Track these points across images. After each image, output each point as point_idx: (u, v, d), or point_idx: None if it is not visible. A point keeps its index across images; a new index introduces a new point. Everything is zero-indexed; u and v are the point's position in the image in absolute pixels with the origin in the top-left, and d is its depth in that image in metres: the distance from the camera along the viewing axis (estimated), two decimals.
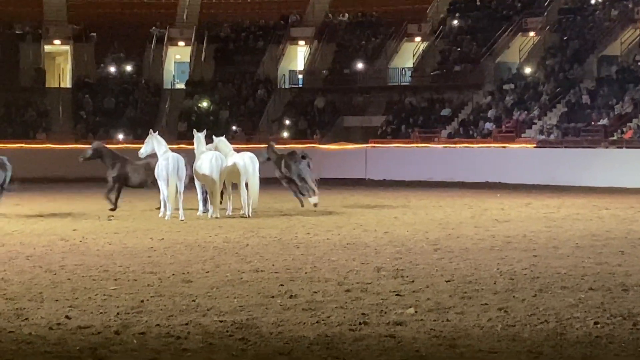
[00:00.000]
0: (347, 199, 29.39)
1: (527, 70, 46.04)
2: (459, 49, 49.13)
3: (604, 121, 39.68)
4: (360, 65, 50.60)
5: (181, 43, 53.48)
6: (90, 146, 25.26)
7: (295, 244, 17.08)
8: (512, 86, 45.11)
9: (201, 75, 52.05)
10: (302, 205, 24.47)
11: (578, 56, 44.46)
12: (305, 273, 13.52)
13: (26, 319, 10.22)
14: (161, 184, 22.20)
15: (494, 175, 37.69)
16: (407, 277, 13.14)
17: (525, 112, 42.85)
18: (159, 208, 23.01)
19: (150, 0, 54.85)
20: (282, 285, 12.43)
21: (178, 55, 54.30)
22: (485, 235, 18.41)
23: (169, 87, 53.21)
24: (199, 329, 9.76)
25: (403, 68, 51.09)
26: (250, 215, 22.28)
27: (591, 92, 41.99)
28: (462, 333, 9.59)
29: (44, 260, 14.74)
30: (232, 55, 52.53)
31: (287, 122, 48.92)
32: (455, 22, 50.73)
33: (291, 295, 11.61)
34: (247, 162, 22.66)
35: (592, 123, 39.96)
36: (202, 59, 52.57)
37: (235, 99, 50.73)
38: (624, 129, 38.80)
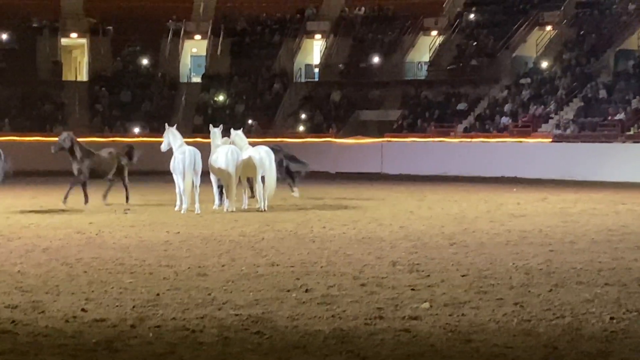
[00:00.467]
0: (362, 193, 29.39)
1: (544, 64, 45.88)
2: (475, 43, 48.99)
3: (620, 116, 39.50)
4: (376, 59, 50.53)
5: (197, 36, 53.51)
6: (63, 137, 23.72)
7: (310, 238, 17.09)
8: (529, 80, 44.98)
9: (217, 69, 52.08)
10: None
11: (595, 50, 44.27)
12: (321, 267, 13.53)
13: (42, 311, 10.26)
14: (177, 178, 22.23)
15: (510, 170, 37.63)
16: (423, 271, 13.13)
17: (542, 106, 42.71)
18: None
19: None
20: (297, 279, 12.44)
21: (194, 49, 54.36)
22: (501, 230, 18.37)
23: (185, 81, 53.28)
24: (214, 322, 9.78)
25: (419, 62, 50.98)
26: (266, 209, 22.30)
27: (608, 86, 41.81)
28: (477, 328, 9.58)
29: (60, 253, 14.80)
30: (248, 49, 52.53)
31: (303, 116, 48.91)
32: (472, 15, 50.58)
33: (307, 289, 11.62)
34: (263, 156, 22.65)
35: (609, 118, 39.79)
36: (219, 52, 52.61)
37: (251, 92, 50.75)
38: None
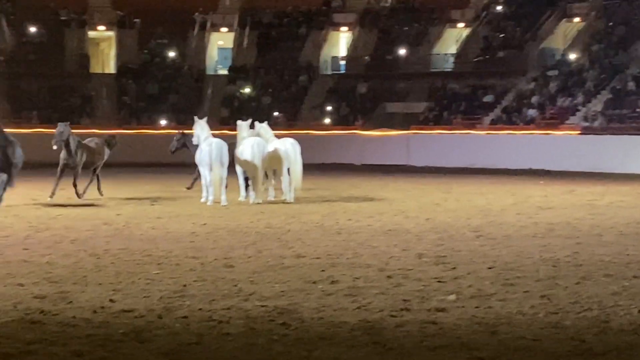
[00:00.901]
0: (388, 185, 29.35)
1: (572, 56, 45.57)
2: (502, 35, 48.74)
3: None
4: (402, 51, 50.38)
5: (224, 29, 53.57)
6: (61, 129, 22.42)
7: (336, 229, 17.09)
8: (557, 72, 44.70)
9: (244, 61, 52.12)
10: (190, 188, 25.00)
11: (623, 42, 43.91)
12: (347, 259, 13.54)
13: (70, 302, 10.33)
14: (203, 170, 22.29)
15: (537, 162, 37.46)
16: (449, 263, 13.10)
17: (570, 98, 42.45)
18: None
19: None
20: (323, 270, 12.45)
21: (221, 42, 54.43)
22: (527, 223, 18.30)
23: (212, 73, 53.36)
24: (240, 313, 9.81)
25: (446, 54, 50.78)
26: (292, 200, 22.32)
27: (637, 78, 41.48)
28: (504, 320, 9.55)
29: (88, 244, 14.89)
30: (274, 41, 52.54)
31: (329, 108, 48.88)
32: (499, 7, 50.31)
33: (332, 281, 11.63)
34: (289, 148, 22.68)
35: (638, 110, 39.50)
36: (245, 45, 52.64)
37: (277, 85, 50.76)
38: None
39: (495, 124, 43.17)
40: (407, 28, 51.56)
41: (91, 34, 52.99)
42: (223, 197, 21.83)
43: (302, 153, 23.18)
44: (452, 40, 50.80)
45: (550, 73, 44.90)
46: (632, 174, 33.48)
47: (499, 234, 16.41)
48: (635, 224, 18.11)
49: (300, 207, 21.21)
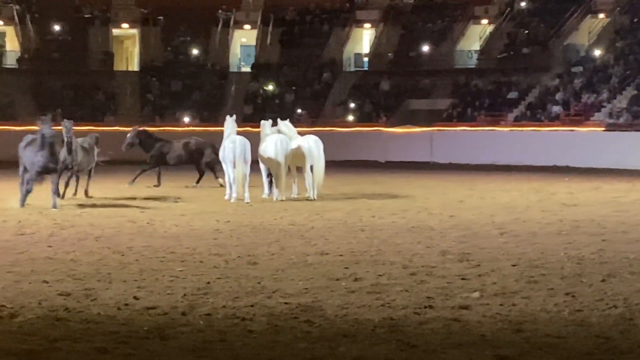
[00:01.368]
0: (412, 182, 29.29)
1: (597, 52, 45.32)
2: (526, 31, 48.54)
3: None
4: (426, 48, 50.29)
5: (247, 26, 53.66)
6: (67, 127, 21.41)
7: (360, 227, 17.07)
8: (581, 69, 44.48)
9: (267, 58, 52.20)
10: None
11: None
12: (370, 256, 13.52)
13: (95, 299, 10.37)
14: (226, 167, 22.32)
15: (562, 159, 37.27)
16: (473, 260, 13.05)
17: (594, 95, 42.21)
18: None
19: None
20: (347, 268, 12.44)
21: (244, 39, 54.52)
22: (552, 220, 18.21)
23: (235, 70, 53.49)
24: (264, 310, 9.81)
25: (469, 50, 50.66)
26: (315, 198, 22.32)
27: None
28: (528, 318, 9.51)
29: (112, 242, 14.95)
30: (297, 38, 52.58)
31: (352, 105, 48.85)
32: (523, 3, 50.11)
33: (356, 278, 11.61)
34: (312, 145, 22.66)
35: None
36: (268, 42, 52.71)
37: (300, 82, 50.80)
38: None
39: (519, 120, 43.00)
40: (430, 24, 51.47)
41: (115, 31, 53.24)
42: (246, 195, 21.85)
43: (325, 150, 23.16)
44: (475, 36, 50.65)
45: (575, 69, 44.68)
46: None
47: (523, 231, 16.34)
48: None
49: (324, 205, 21.20)
